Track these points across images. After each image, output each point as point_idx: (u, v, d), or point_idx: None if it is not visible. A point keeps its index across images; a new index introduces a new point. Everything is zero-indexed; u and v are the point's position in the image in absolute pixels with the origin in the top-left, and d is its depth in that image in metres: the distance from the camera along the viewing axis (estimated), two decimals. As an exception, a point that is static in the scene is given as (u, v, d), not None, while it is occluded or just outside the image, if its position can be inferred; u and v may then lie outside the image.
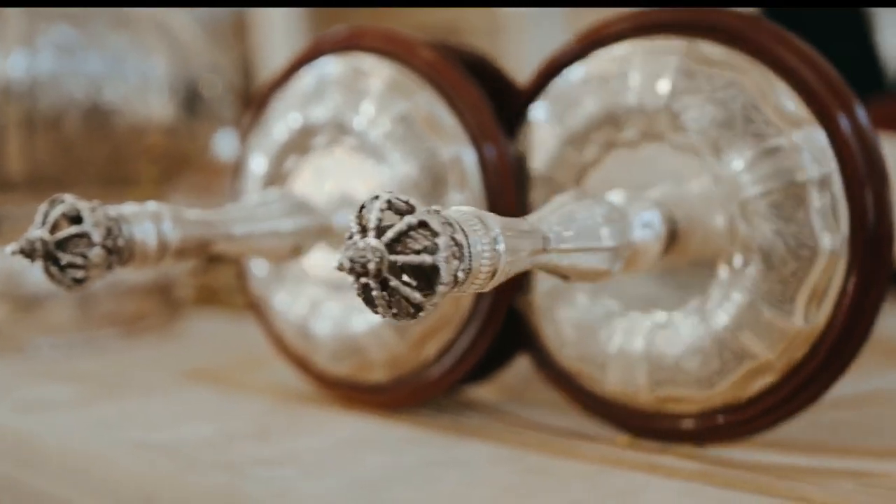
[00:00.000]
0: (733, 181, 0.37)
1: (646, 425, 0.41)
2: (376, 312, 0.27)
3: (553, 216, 0.32)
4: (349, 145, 0.46)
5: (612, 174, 0.40)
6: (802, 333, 0.36)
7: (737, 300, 0.37)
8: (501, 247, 0.28)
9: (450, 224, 0.26)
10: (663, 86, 0.38)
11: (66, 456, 0.45)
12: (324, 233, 0.44)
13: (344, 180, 0.46)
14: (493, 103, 0.43)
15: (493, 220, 0.28)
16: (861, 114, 0.36)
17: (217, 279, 0.79)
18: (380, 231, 0.26)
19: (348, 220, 0.27)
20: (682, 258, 0.39)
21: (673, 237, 0.38)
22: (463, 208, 0.28)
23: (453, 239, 0.26)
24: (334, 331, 0.47)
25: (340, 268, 0.26)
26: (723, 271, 0.38)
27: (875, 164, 0.36)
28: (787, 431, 0.40)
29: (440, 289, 0.26)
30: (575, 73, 0.41)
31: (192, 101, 0.67)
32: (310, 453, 0.42)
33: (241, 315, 0.74)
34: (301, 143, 0.47)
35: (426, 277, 0.26)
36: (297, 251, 0.44)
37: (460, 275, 0.26)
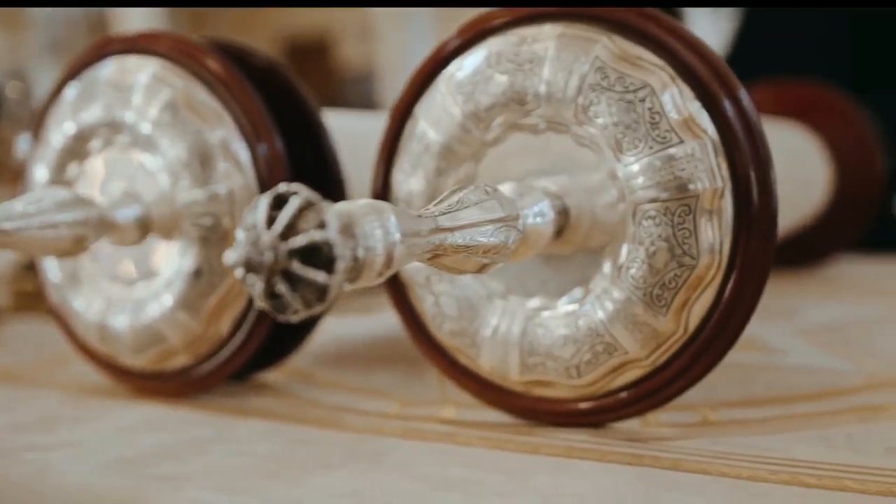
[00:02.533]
0: (629, 181, 0.37)
1: (515, 405, 0.42)
2: (286, 313, 0.27)
3: (437, 206, 0.32)
4: (123, 143, 0.47)
5: (512, 155, 0.41)
6: (673, 337, 0.38)
7: (616, 296, 0.38)
8: (396, 229, 0.28)
9: (336, 208, 0.27)
10: (574, 79, 0.38)
11: None
12: (107, 227, 0.46)
13: (124, 178, 0.48)
14: (277, 105, 0.46)
15: (385, 205, 0.29)
16: (745, 99, 0.37)
17: (36, 284, 0.78)
18: (269, 224, 0.26)
19: (238, 225, 0.27)
20: (570, 247, 0.40)
21: (563, 226, 0.38)
22: (356, 200, 0.29)
23: (342, 219, 0.27)
24: (132, 323, 0.48)
25: (235, 270, 0.26)
26: (607, 266, 0.39)
27: (759, 148, 0.36)
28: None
29: (340, 265, 0.26)
30: (487, 49, 0.41)
31: (-7, 105, 0.67)
32: (88, 439, 0.43)
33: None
34: (78, 149, 0.49)
35: (325, 259, 0.26)
36: (80, 243, 0.45)
37: (359, 252, 0.27)
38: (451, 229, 0.32)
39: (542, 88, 0.39)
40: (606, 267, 0.39)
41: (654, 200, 0.37)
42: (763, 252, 0.37)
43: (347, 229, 0.27)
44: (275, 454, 0.40)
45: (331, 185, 0.47)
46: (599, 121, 0.38)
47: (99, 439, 0.43)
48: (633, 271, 0.37)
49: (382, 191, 0.44)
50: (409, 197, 0.43)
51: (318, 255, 0.26)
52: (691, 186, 0.36)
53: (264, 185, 0.45)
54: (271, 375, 0.52)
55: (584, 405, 0.40)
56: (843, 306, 0.69)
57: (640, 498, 0.33)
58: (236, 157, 0.45)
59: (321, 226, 0.26)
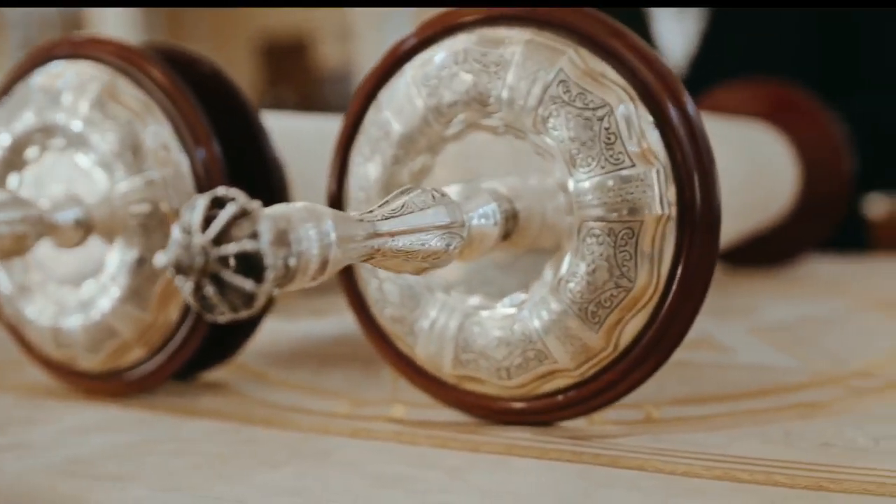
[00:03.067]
0: (579, 197, 0.37)
1: (447, 396, 0.43)
2: (213, 313, 0.27)
3: (381, 208, 0.33)
4: (58, 147, 0.48)
5: (467, 153, 0.41)
6: (603, 353, 0.38)
7: (553, 307, 0.38)
8: (332, 232, 0.29)
9: (272, 214, 0.27)
10: (537, 89, 0.38)
11: None
12: (48, 228, 0.46)
13: (64, 182, 0.48)
14: (219, 112, 0.47)
15: (323, 210, 0.29)
16: (690, 104, 0.37)
17: None
18: (204, 227, 0.27)
19: (174, 225, 0.27)
20: (520, 248, 0.40)
21: (511, 229, 0.39)
22: (295, 203, 0.29)
23: (277, 226, 0.27)
24: (84, 322, 0.48)
25: (167, 270, 0.27)
26: (549, 274, 0.39)
27: (709, 177, 0.37)
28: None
29: (269, 274, 0.27)
30: (456, 45, 0.41)
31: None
32: (39, 440, 0.43)
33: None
34: (14, 160, 0.50)
35: (255, 267, 0.27)
36: (21, 242, 0.45)
37: (291, 261, 0.27)
38: (392, 234, 0.32)
39: (505, 94, 0.39)
40: (548, 275, 0.39)
41: (599, 219, 0.37)
42: (700, 280, 0.37)
43: (281, 238, 0.27)
44: (221, 453, 0.40)
45: (271, 188, 0.48)
46: (556, 133, 0.38)
47: (49, 440, 0.43)
48: (571, 285, 0.38)
49: (340, 171, 0.44)
50: (365, 182, 0.43)
51: (249, 264, 0.27)
52: (637, 211, 0.37)
53: (202, 189, 0.46)
54: (223, 375, 0.53)
55: (517, 405, 0.41)
56: (801, 305, 0.70)
57: (577, 494, 0.34)
58: (167, 145, 0.46)
59: (254, 235, 0.27)
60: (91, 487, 0.37)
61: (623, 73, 0.38)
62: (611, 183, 0.37)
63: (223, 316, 0.28)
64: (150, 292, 0.47)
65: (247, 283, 0.27)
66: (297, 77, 7.92)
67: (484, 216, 0.37)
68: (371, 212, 0.33)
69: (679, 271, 0.37)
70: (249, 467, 0.38)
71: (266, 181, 0.48)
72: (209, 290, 0.27)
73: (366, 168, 0.43)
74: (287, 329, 0.66)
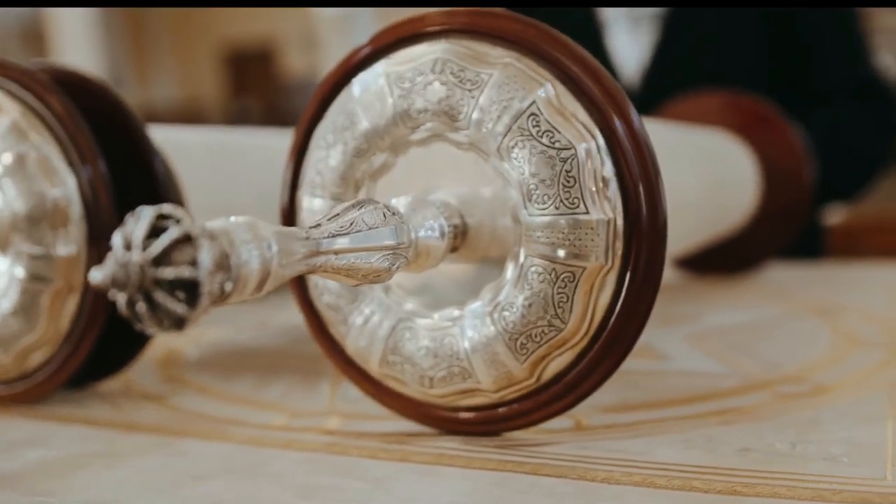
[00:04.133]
0: (529, 231, 0.38)
1: (371, 390, 0.44)
2: (143, 326, 0.28)
3: (330, 223, 0.33)
4: None
5: (430, 159, 0.41)
6: (525, 382, 0.39)
7: (485, 331, 0.39)
8: (273, 251, 0.29)
9: (214, 236, 0.27)
10: (507, 117, 0.38)
11: None
12: None
13: None
14: (108, 131, 0.49)
15: (266, 228, 0.30)
16: (635, 118, 0.37)
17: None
18: (145, 245, 0.27)
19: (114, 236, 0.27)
20: (468, 261, 0.41)
21: (459, 243, 0.39)
22: (238, 218, 0.29)
23: (218, 250, 0.27)
24: (13, 301, 0.48)
25: (99, 284, 0.27)
26: (487, 296, 0.39)
27: (647, 163, 0.37)
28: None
29: (203, 301, 0.27)
30: (437, 51, 0.40)
31: None
32: (-29, 456, 0.43)
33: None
34: None
35: (191, 290, 0.27)
36: None
37: (227, 285, 0.28)
38: (337, 252, 0.33)
39: (475, 115, 0.38)
40: (486, 297, 0.40)
41: (544, 257, 0.37)
42: (630, 333, 0.38)
43: (221, 263, 0.28)
44: (153, 467, 0.40)
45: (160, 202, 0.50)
46: (517, 164, 0.38)
47: (-19, 456, 0.43)
48: (506, 314, 0.38)
49: (301, 149, 0.44)
50: (324, 167, 0.42)
51: (184, 289, 0.27)
52: (583, 258, 0.37)
53: (88, 205, 0.47)
54: (163, 388, 0.53)
55: (434, 412, 0.42)
56: (744, 311, 0.72)
57: (495, 501, 0.35)
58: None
59: (193, 263, 0.27)
60: (18, 502, 0.37)
61: (595, 119, 0.37)
62: (562, 224, 0.37)
63: (153, 330, 0.28)
64: (46, 228, 0.48)
65: (179, 307, 0.27)
66: (262, 86, 7.91)
67: (431, 230, 0.37)
68: (318, 225, 0.33)
69: (610, 321, 0.38)
70: (178, 480, 0.38)
71: (154, 197, 0.49)
72: (141, 306, 0.27)
73: (327, 153, 0.42)
74: (231, 339, 0.66)
